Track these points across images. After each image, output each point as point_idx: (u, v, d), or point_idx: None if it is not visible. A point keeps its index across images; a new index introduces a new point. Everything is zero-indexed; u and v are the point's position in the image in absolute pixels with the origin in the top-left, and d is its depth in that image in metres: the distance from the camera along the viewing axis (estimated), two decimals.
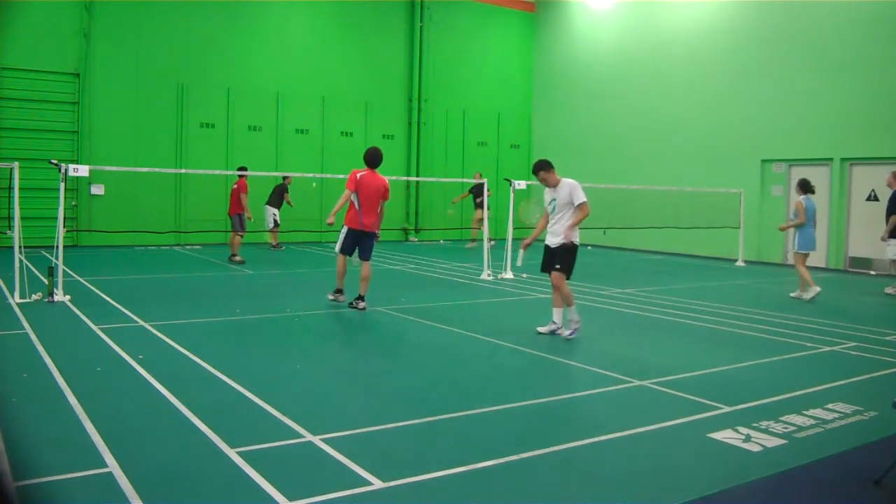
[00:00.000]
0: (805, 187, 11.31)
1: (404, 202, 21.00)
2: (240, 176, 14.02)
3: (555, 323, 7.88)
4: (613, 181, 18.18)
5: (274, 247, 17.18)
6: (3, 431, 4.35)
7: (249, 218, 14.32)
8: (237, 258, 14.08)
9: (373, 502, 3.68)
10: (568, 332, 7.71)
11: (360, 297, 9.28)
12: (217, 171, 16.36)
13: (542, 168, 7.87)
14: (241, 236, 14.27)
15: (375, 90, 20.61)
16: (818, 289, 11.01)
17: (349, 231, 9.18)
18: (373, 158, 9.23)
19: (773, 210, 17.01)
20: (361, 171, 9.16)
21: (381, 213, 9.37)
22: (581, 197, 7.59)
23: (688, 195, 17.28)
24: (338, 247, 9.35)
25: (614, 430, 4.81)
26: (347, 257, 9.29)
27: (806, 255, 11.25)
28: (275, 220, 16.54)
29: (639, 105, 19.86)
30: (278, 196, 16.65)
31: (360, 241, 9.23)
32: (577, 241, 7.69)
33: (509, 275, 12.70)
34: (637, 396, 5.74)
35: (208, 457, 4.21)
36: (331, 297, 9.60)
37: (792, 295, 11.35)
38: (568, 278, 7.74)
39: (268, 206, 16.51)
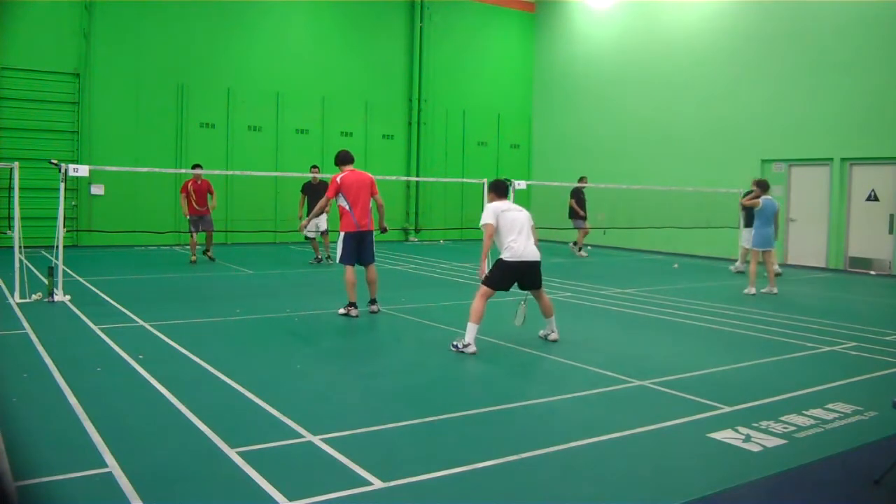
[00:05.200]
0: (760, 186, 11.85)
1: (404, 202, 20.98)
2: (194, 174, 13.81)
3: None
4: (613, 181, 18.19)
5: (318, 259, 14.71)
6: (3, 431, 4.35)
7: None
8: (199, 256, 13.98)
9: (373, 502, 3.68)
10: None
11: (372, 301, 9.01)
12: (217, 171, 16.37)
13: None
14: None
15: (375, 90, 20.60)
16: (754, 290, 11.38)
17: (347, 237, 8.62)
18: (347, 155, 8.88)
19: None
20: (342, 174, 8.72)
21: (381, 209, 8.99)
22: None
23: (688, 195, 17.27)
24: (338, 258, 8.74)
25: (614, 430, 4.81)
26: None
27: (756, 252, 11.66)
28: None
29: (639, 105, 19.85)
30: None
31: (359, 245, 8.71)
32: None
33: None
34: (637, 396, 5.74)
35: (208, 457, 4.21)
36: (342, 311, 8.74)
37: (762, 291, 11.48)
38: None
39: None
